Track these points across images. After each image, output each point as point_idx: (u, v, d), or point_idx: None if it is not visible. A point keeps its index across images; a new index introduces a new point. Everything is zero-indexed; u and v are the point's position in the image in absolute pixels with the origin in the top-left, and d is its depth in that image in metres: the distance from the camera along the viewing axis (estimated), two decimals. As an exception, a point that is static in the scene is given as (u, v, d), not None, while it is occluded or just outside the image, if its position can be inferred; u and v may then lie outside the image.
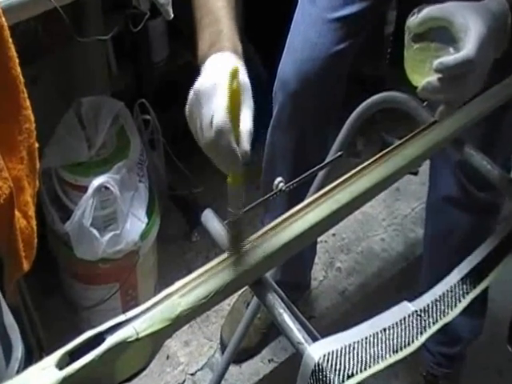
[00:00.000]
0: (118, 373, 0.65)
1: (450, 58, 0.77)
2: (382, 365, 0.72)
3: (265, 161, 1.43)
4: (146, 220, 1.45)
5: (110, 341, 0.62)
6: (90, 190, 1.33)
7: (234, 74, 0.65)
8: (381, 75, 2.12)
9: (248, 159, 0.68)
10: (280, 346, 1.62)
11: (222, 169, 0.69)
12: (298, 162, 1.36)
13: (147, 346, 0.65)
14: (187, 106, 0.70)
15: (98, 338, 0.62)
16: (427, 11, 0.83)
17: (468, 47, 0.77)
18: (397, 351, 0.74)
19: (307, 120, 1.32)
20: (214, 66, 0.71)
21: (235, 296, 1.65)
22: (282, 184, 0.82)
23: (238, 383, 1.57)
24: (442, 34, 0.82)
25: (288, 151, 1.36)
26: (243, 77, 0.70)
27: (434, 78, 0.78)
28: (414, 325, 0.76)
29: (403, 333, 0.75)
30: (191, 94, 0.70)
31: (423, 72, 0.82)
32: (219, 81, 0.68)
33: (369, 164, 0.86)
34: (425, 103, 0.94)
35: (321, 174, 1.17)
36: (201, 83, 0.69)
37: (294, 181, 0.84)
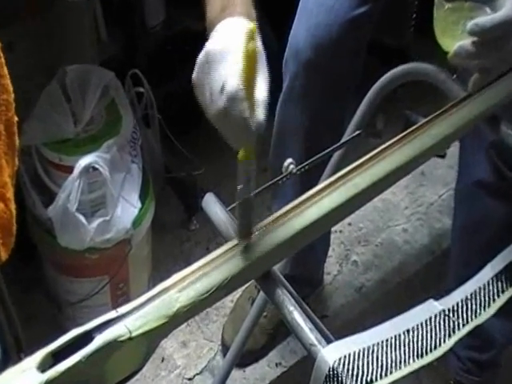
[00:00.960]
0: (108, 376, 0.65)
1: (487, 18, 0.76)
2: (404, 370, 0.73)
3: (273, 139, 1.43)
4: (139, 205, 1.45)
5: (99, 340, 0.62)
6: (76, 171, 1.33)
7: (251, 36, 0.64)
8: (405, 45, 2.10)
9: (261, 132, 0.68)
10: (289, 349, 1.63)
11: (232, 143, 0.69)
12: (311, 142, 1.35)
13: (141, 346, 0.66)
14: (195, 70, 0.70)
15: (86, 337, 0.62)
16: None
17: (508, 6, 0.76)
18: (422, 355, 0.74)
19: (321, 93, 1.32)
20: (227, 27, 0.71)
21: (239, 291, 1.65)
22: (292, 166, 0.82)
23: (241, 389, 1.59)
24: None
25: (300, 128, 1.36)
26: (258, 42, 0.69)
27: (467, 41, 0.78)
28: (442, 326, 0.76)
29: (429, 335, 0.76)
30: (201, 56, 0.70)
31: (455, 35, 0.81)
32: (233, 42, 0.68)
33: (391, 144, 0.86)
34: (454, 76, 0.93)
35: (336, 155, 1.17)
36: (212, 44, 0.69)
37: (307, 162, 0.84)
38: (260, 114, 0.67)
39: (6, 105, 0.81)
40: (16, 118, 0.85)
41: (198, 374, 1.60)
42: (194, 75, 0.70)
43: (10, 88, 0.82)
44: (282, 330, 1.60)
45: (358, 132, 0.98)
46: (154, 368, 1.58)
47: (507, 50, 0.78)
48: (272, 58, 1.37)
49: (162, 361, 1.60)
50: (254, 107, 0.66)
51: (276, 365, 1.62)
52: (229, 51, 0.67)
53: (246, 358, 1.58)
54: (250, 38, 0.64)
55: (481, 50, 0.78)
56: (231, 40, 0.68)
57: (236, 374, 1.58)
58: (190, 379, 1.59)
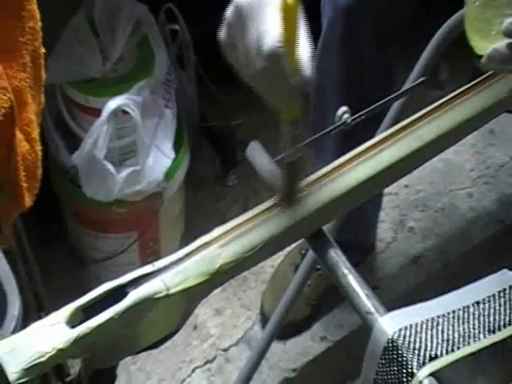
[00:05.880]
0: (142, 337, 0.66)
1: None
2: (474, 347, 0.72)
3: (313, 93, 1.42)
4: (172, 155, 1.45)
5: (134, 296, 0.63)
6: (105, 114, 1.33)
7: None
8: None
9: (308, 90, 0.69)
10: (335, 322, 1.62)
11: (275, 104, 0.70)
12: (354, 96, 1.33)
13: (179, 305, 0.66)
14: (224, 28, 0.70)
15: (119, 293, 0.63)
16: None
17: None
18: (494, 331, 0.74)
19: (364, 41, 1.30)
20: None
21: (280, 256, 1.65)
22: (347, 115, 0.81)
23: (281, 364, 1.59)
24: None
25: (341, 81, 1.35)
26: None
27: (502, 43, 0.73)
28: (518, 299, 0.75)
29: (502, 308, 0.75)
30: (229, 11, 0.69)
31: (489, 36, 0.76)
32: None
33: (461, 93, 0.85)
34: None
35: (395, 106, 1.17)
36: None
37: (363, 111, 0.83)
38: (305, 71, 0.67)
39: (33, 33, 0.81)
40: (43, 50, 0.85)
41: (233, 345, 1.60)
42: (223, 34, 0.70)
43: (37, 14, 0.82)
44: (327, 301, 1.60)
45: (422, 79, 0.97)
46: (185, 336, 1.59)
47: None
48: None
49: (194, 329, 1.61)
50: (297, 64, 0.67)
51: (320, 339, 1.62)
52: (263, 3, 0.67)
53: (287, 329, 1.57)
54: None
55: None
56: None
57: (276, 346, 1.58)
58: (224, 350, 1.60)
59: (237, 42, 0.69)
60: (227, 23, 0.70)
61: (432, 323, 0.73)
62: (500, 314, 0.75)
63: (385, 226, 1.80)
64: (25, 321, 0.95)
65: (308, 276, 1.27)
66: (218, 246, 0.70)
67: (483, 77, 0.86)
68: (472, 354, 0.72)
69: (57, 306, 0.65)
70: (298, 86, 0.67)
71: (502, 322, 0.74)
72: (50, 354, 0.60)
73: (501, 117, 0.93)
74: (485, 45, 0.76)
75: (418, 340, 0.71)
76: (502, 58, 0.73)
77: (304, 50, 0.67)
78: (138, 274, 0.65)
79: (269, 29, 0.66)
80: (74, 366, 0.68)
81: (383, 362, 0.71)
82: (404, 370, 0.70)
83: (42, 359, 0.60)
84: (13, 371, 0.60)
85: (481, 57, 0.76)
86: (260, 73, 0.68)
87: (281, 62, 0.66)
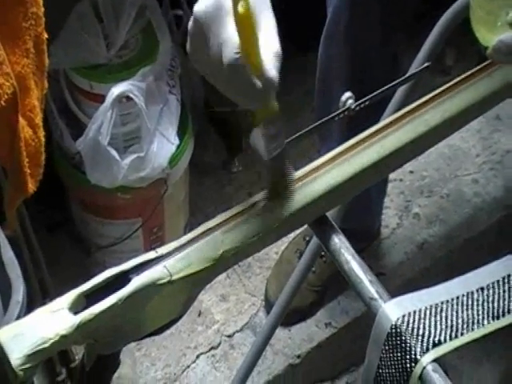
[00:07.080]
0: (145, 323, 0.66)
1: None
2: (477, 333, 0.72)
3: (318, 80, 1.42)
4: (176, 141, 1.45)
5: (137, 282, 0.63)
6: (109, 100, 1.33)
7: None
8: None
9: (275, 88, 0.70)
10: (340, 308, 1.63)
11: (247, 106, 0.71)
12: (359, 83, 1.33)
13: (182, 291, 0.66)
14: (188, 39, 0.71)
15: (122, 279, 0.63)
16: None
17: None
18: (498, 317, 0.73)
19: (370, 29, 1.29)
20: None
21: (285, 242, 1.65)
22: (351, 101, 0.81)
23: (286, 350, 1.59)
24: None
25: (346, 68, 1.35)
26: None
27: (508, 35, 0.73)
28: (522, 285, 0.75)
29: (507, 294, 0.75)
30: (190, 24, 0.70)
31: (495, 27, 0.76)
32: (222, 3, 0.68)
33: (466, 78, 0.85)
34: None
35: (400, 92, 1.16)
36: (200, 9, 0.69)
37: (367, 97, 0.83)
38: (271, 71, 0.68)
39: (36, 19, 0.81)
40: (46, 35, 0.85)
41: (238, 332, 1.61)
42: (188, 47, 0.71)
43: (40, 0, 0.82)
44: (331, 287, 1.61)
45: (427, 63, 0.97)
46: (189, 322, 1.59)
47: None
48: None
49: (199, 315, 1.62)
50: (260, 68, 0.68)
51: (325, 325, 1.62)
52: (220, 14, 0.68)
53: (291, 316, 1.58)
54: None
55: None
56: (218, 2, 0.68)
57: (280, 333, 1.59)
58: (229, 336, 1.61)
59: (200, 53, 0.70)
60: (189, 35, 0.71)
61: (436, 309, 0.73)
62: (504, 300, 0.75)
63: (390, 212, 1.80)
64: (30, 307, 0.95)
65: (312, 263, 1.27)
66: (221, 232, 0.70)
67: (488, 62, 0.86)
68: (476, 341, 0.72)
69: (62, 293, 0.65)
70: (264, 89, 0.68)
71: (506, 308, 0.74)
72: (52, 340, 0.60)
73: (506, 102, 0.93)
74: (490, 36, 0.76)
75: (421, 326, 0.71)
76: (509, 50, 0.73)
77: (268, 50, 0.68)
78: (141, 260, 0.65)
79: (226, 40, 0.67)
80: (79, 353, 0.69)
81: (387, 347, 0.71)
82: (408, 356, 0.70)
83: (45, 345, 0.60)
84: (16, 357, 0.60)
85: (486, 47, 0.76)
86: (225, 83, 0.69)
87: (242, 70, 0.67)
